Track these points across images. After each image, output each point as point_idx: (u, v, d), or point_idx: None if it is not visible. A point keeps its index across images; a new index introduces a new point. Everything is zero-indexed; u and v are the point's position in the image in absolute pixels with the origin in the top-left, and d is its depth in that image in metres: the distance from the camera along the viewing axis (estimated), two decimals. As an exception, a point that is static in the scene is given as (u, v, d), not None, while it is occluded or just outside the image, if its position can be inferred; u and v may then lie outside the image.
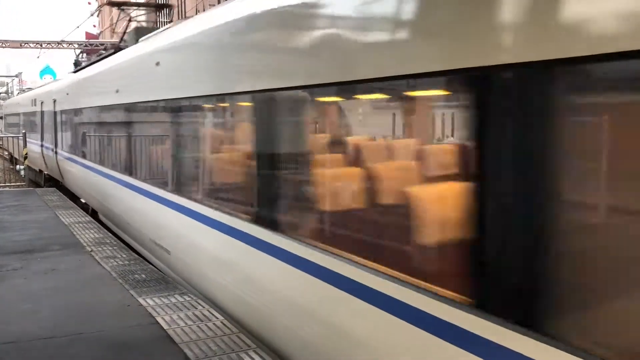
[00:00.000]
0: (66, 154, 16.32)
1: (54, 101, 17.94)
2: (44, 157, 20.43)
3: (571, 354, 2.58)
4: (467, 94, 3.07)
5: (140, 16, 20.63)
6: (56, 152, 17.63)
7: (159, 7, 25.68)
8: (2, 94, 64.53)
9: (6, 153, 37.19)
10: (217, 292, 6.31)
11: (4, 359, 4.95)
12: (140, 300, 6.43)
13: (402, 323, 3.52)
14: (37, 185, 20.80)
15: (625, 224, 2.57)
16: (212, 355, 4.96)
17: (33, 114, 23.20)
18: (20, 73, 52.64)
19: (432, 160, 3.67)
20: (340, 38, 4.02)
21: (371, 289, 3.77)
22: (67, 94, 16.13)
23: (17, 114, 30.15)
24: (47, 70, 46.64)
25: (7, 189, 17.37)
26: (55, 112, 17.87)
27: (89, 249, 8.81)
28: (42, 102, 20.48)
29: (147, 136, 9.54)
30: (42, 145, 20.55)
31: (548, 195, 2.74)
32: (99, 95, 12.33)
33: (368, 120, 4.34)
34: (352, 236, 4.24)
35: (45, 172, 20.89)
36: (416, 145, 3.82)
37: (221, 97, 6.32)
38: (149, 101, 8.85)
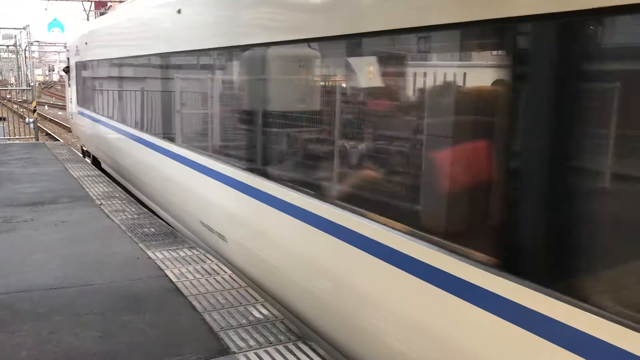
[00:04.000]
0: None
1: None
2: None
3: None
4: None
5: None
6: None
7: None
8: (10, 47, 64.14)
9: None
10: None
11: (16, 307, 5.05)
12: (149, 253, 6.51)
13: None
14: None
15: None
16: (220, 308, 5.04)
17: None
18: (28, 25, 52.12)
19: None
20: None
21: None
22: None
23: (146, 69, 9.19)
24: (54, 24, 46.11)
25: (17, 141, 17.47)
26: None
27: (98, 202, 8.88)
28: None
29: None
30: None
31: None
32: None
33: None
34: None
35: None
36: None
37: None
38: None
